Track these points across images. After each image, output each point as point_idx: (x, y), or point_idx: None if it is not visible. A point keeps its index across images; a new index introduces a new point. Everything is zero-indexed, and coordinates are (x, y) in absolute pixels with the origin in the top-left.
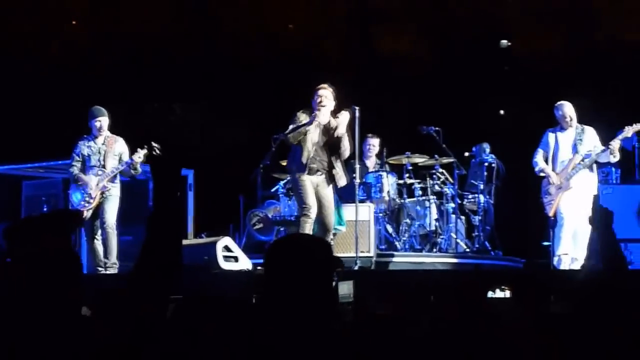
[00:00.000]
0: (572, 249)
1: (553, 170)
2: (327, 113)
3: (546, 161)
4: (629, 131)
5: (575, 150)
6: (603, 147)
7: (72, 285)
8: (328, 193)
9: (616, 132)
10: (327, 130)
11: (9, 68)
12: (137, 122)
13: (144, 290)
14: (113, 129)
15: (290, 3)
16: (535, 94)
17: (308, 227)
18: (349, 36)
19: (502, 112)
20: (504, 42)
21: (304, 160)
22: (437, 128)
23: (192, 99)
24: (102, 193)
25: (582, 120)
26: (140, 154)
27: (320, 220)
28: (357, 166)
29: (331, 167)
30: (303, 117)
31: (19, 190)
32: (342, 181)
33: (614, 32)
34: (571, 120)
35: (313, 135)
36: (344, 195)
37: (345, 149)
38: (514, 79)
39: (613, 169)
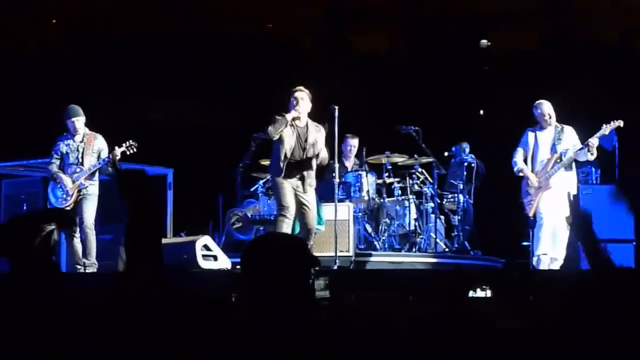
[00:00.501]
0: (551, 249)
1: (533, 169)
2: (305, 115)
3: (525, 161)
4: (606, 129)
5: (554, 149)
6: (581, 146)
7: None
8: (309, 195)
9: (595, 130)
10: (304, 134)
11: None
12: (116, 119)
13: (129, 290)
14: (92, 126)
15: (268, 1)
16: (514, 93)
17: (285, 227)
18: (328, 35)
19: (481, 112)
20: (484, 42)
21: (282, 161)
22: (416, 128)
23: (171, 97)
24: (80, 191)
25: (561, 119)
26: (118, 152)
27: (302, 222)
28: (337, 165)
29: (309, 169)
30: (279, 125)
31: None
32: (314, 183)
33: (592, 30)
34: (550, 118)
35: (290, 139)
36: (323, 195)
37: (324, 159)
38: (494, 78)
39: (593, 169)
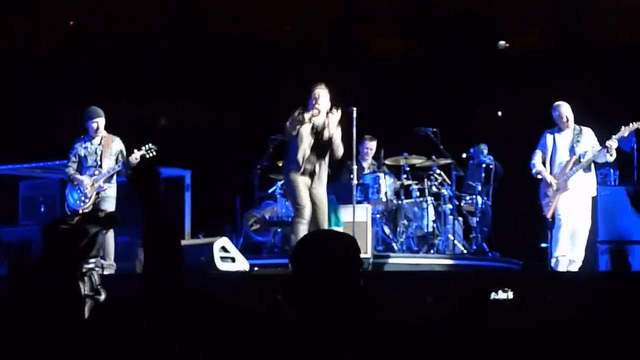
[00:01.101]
0: (569, 250)
1: (551, 172)
2: (324, 112)
3: (544, 163)
4: (625, 130)
5: (572, 151)
6: (600, 147)
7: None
8: (321, 193)
9: (613, 132)
10: (321, 131)
11: (4, 68)
12: (133, 121)
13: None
14: (110, 129)
15: (285, 3)
16: (533, 94)
17: (302, 230)
18: (345, 36)
19: (500, 113)
20: (502, 43)
21: (299, 159)
22: (434, 129)
23: (186, 98)
24: (98, 193)
25: (580, 120)
26: (137, 155)
27: (315, 221)
28: (355, 167)
29: (322, 165)
30: (297, 121)
31: (16, 191)
32: (324, 177)
33: (611, 31)
34: (567, 121)
35: (308, 137)
36: (341, 196)
37: (338, 147)
38: (512, 79)
39: (611, 170)
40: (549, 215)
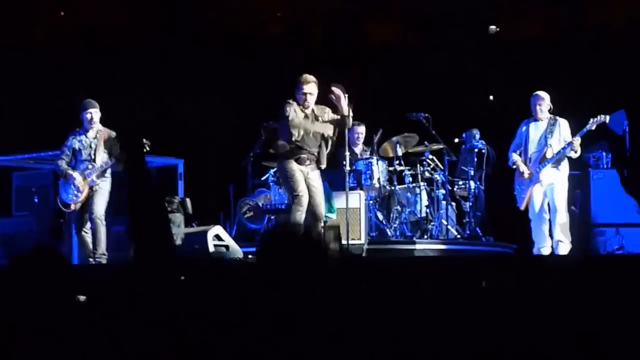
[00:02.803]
0: (548, 240)
1: (524, 161)
2: (312, 102)
3: (520, 153)
4: (592, 124)
5: (544, 142)
6: (567, 142)
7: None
8: (317, 181)
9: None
10: (315, 119)
11: None
12: (126, 114)
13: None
14: (105, 123)
15: None
16: (524, 79)
17: (299, 216)
18: (335, 22)
19: (491, 97)
20: (493, 27)
21: (290, 146)
22: (426, 114)
23: (180, 87)
24: (91, 188)
25: (570, 109)
26: None
27: (311, 209)
28: (347, 154)
29: (319, 155)
30: (290, 108)
31: (9, 181)
32: (323, 165)
33: (605, 19)
34: (541, 112)
35: (299, 124)
36: (334, 183)
37: (350, 123)
38: (503, 64)
39: (604, 154)
40: (522, 207)
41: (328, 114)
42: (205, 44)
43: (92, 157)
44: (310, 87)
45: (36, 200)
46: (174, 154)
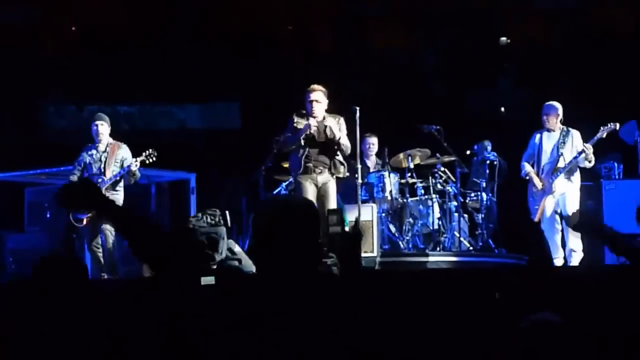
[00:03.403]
0: (562, 248)
1: (537, 172)
2: (322, 112)
3: (532, 164)
4: (603, 132)
5: (557, 153)
6: (578, 152)
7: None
8: (330, 190)
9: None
10: (322, 129)
11: (8, 72)
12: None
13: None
14: (114, 132)
15: (287, 1)
16: (535, 89)
17: None
18: (345, 34)
19: (502, 109)
20: (504, 39)
21: (301, 160)
22: (438, 127)
23: (191, 98)
24: None
25: (581, 118)
26: (138, 161)
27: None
28: (359, 166)
29: (331, 163)
30: (299, 120)
31: (22, 197)
32: (340, 173)
33: (614, 25)
34: (548, 122)
35: (308, 137)
36: (347, 196)
37: (346, 148)
38: (514, 75)
39: (615, 164)
40: (536, 219)
41: (339, 122)
42: (213, 53)
43: (102, 170)
44: (317, 95)
45: (48, 215)
46: (186, 169)
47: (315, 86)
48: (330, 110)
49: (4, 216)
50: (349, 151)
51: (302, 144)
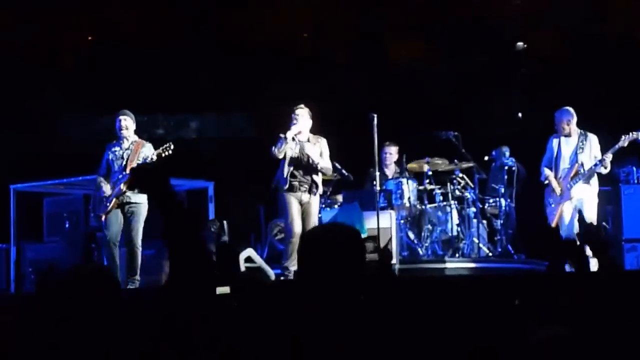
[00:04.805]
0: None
1: (555, 177)
2: (306, 131)
3: (550, 168)
4: (624, 141)
5: (575, 159)
6: (598, 159)
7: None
8: (313, 206)
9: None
10: (305, 157)
11: (21, 82)
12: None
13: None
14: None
15: (303, 12)
16: (552, 95)
17: (292, 249)
18: (363, 43)
19: (520, 114)
20: (520, 44)
21: (285, 177)
22: (455, 133)
23: (204, 109)
24: (118, 197)
25: (597, 123)
26: (155, 154)
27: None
28: (377, 174)
29: (313, 183)
30: (280, 141)
31: (41, 207)
32: (319, 192)
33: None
34: (563, 129)
35: (293, 154)
36: (365, 203)
37: (327, 170)
38: (531, 81)
39: (634, 169)
40: (553, 224)
41: (321, 143)
42: (228, 63)
43: (123, 167)
44: (300, 112)
45: (67, 225)
46: (205, 177)
47: (300, 105)
48: (349, 120)
49: (23, 226)
50: (330, 172)
51: (288, 163)
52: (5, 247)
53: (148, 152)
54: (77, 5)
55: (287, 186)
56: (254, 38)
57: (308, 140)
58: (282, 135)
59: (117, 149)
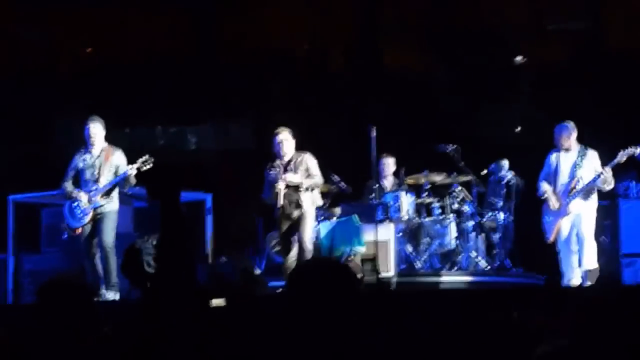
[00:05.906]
0: (578, 269)
1: (554, 191)
2: (290, 150)
3: (549, 183)
4: (622, 156)
5: (574, 174)
6: (597, 174)
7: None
8: (306, 220)
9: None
10: (291, 170)
11: (22, 95)
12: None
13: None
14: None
15: (301, 22)
16: (552, 108)
17: (287, 263)
18: (361, 54)
19: (519, 128)
20: (519, 58)
21: (273, 197)
22: (454, 146)
23: (202, 118)
24: (96, 209)
25: (598, 136)
26: (133, 168)
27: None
28: (376, 186)
29: (300, 198)
30: (271, 172)
31: (38, 218)
32: (309, 207)
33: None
34: (562, 144)
35: (278, 182)
36: (363, 216)
37: (315, 185)
38: (530, 94)
39: (633, 183)
40: (551, 239)
41: (305, 159)
42: (226, 73)
43: (96, 176)
44: (284, 135)
45: (65, 236)
46: (203, 189)
47: (280, 128)
48: (346, 132)
49: (21, 237)
50: (319, 185)
51: (276, 191)
52: (3, 257)
53: (120, 159)
54: (76, 17)
55: (279, 213)
56: (252, 50)
57: (290, 161)
58: (270, 171)
59: (88, 156)
